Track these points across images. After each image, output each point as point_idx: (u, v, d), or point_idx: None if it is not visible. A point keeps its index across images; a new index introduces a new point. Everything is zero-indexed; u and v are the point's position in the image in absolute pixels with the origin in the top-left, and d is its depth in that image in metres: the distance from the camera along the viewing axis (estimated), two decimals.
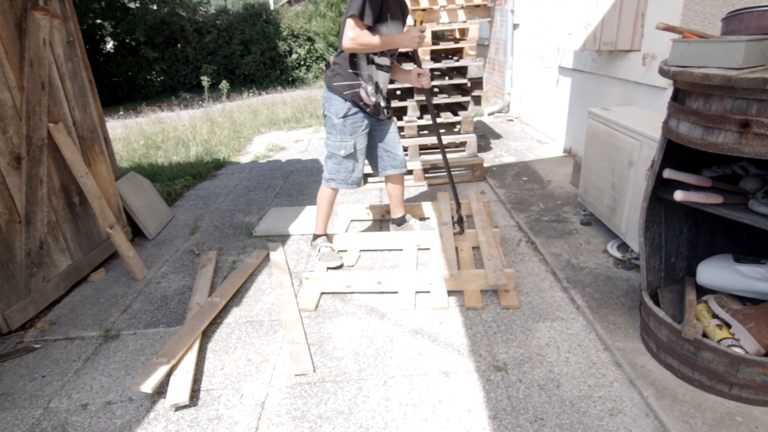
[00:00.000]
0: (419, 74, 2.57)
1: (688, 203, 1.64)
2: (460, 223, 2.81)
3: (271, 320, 2.26)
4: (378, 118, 2.60)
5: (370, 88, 2.47)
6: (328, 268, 2.61)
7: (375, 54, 2.43)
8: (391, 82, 3.87)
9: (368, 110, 2.51)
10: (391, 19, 2.35)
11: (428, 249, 2.79)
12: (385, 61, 2.48)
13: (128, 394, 1.85)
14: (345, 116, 2.47)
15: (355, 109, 2.48)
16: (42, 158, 2.45)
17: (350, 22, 2.22)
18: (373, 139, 2.70)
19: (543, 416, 1.61)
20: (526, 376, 1.79)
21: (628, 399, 1.66)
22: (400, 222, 2.97)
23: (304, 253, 2.90)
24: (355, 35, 2.23)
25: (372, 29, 2.27)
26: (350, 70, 2.43)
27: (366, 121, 2.55)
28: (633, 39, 3.07)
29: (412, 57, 2.51)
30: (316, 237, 2.77)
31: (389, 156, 2.74)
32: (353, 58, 2.42)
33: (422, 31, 2.35)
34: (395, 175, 2.81)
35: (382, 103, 2.59)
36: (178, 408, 1.76)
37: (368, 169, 3.71)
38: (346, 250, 2.84)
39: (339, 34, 2.45)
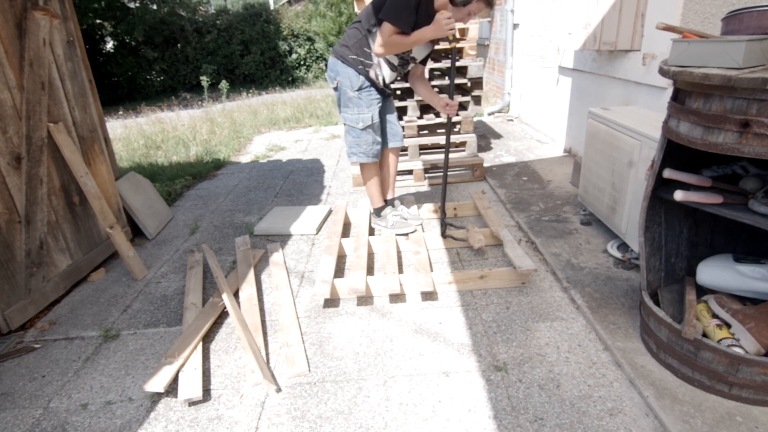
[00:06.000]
0: (447, 104, 2.61)
1: (688, 203, 1.64)
2: (444, 225, 2.81)
3: (271, 320, 2.26)
4: (385, 95, 2.68)
5: (379, 72, 2.51)
6: (398, 234, 2.72)
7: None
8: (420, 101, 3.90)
9: (378, 87, 2.57)
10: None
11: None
12: (393, 59, 2.48)
13: (128, 393, 1.85)
14: (360, 89, 2.49)
15: (368, 83, 2.51)
16: (42, 158, 2.45)
17: (386, 29, 2.23)
18: (381, 112, 2.74)
19: (543, 416, 1.61)
20: (526, 376, 1.80)
21: (628, 399, 1.66)
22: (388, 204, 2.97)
23: (304, 253, 2.90)
24: (383, 41, 2.27)
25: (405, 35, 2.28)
26: (365, 49, 2.45)
27: (379, 96, 2.60)
28: (633, 39, 3.07)
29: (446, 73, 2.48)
30: (378, 210, 2.81)
31: (391, 128, 2.81)
32: (367, 40, 2.43)
33: (448, 18, 2.22)
34: (395, 148, 2.88)
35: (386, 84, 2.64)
36: (192, 403, 1.77)
37: None
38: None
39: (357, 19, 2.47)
